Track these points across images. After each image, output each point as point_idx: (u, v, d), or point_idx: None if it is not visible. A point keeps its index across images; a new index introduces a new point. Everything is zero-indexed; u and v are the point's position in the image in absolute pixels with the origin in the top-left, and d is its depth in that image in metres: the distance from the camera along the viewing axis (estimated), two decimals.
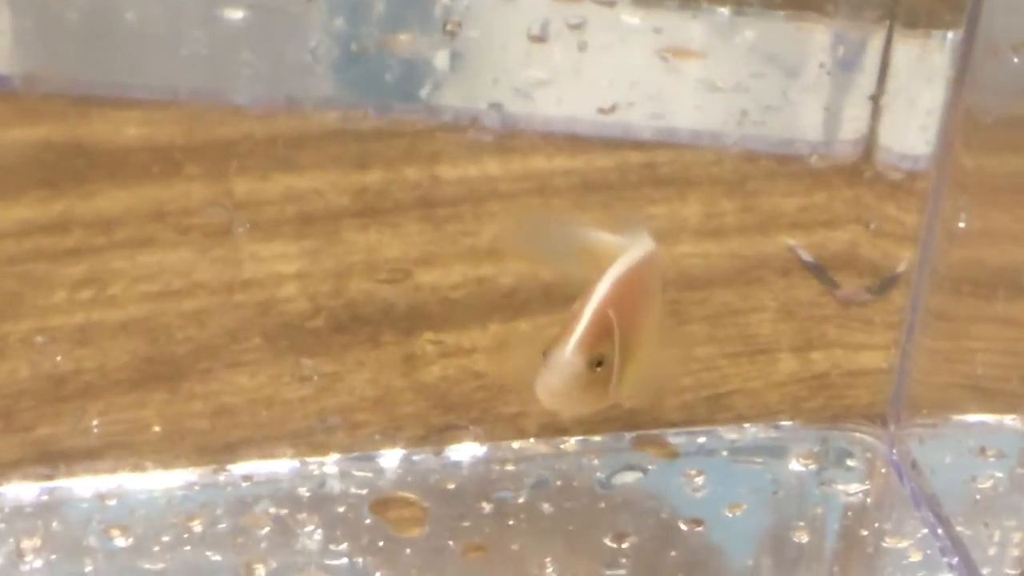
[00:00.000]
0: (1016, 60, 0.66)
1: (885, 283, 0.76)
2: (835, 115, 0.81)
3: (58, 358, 0.75)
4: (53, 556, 0.68)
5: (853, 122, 0.81)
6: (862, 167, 0.77)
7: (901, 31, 0.72)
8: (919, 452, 0.74)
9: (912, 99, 0.72)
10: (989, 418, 0.71)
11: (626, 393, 0.63)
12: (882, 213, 0.76)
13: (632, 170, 0.87)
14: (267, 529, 0.70)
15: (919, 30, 0.72)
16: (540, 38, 0.75)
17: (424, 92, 0.81)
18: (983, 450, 0.69)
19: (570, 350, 0.60)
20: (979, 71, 0.67)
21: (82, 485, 0.72)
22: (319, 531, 0.70)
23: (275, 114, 0.83)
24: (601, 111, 0.81)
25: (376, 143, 0.84)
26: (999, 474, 0.69)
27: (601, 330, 0.61)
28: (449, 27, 0.74)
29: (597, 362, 0.60)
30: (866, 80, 0.80)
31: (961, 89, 0.69)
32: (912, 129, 0.74)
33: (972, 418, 0.72)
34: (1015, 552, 0.67)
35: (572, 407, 0.62)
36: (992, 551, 0.68)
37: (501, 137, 0.80)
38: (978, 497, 0.69)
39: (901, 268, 0.75)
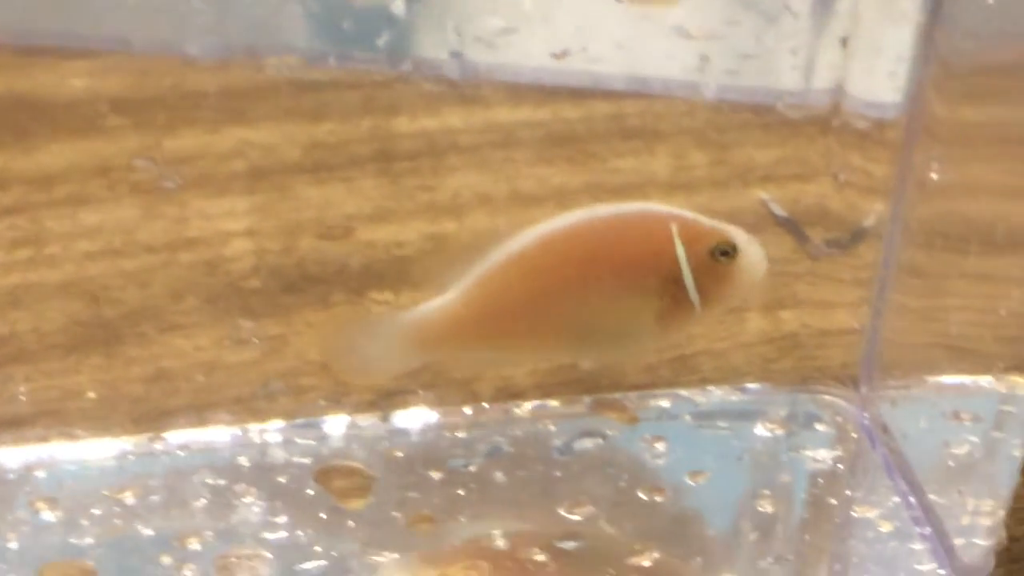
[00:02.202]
0: (991, 2, 0.62)
1: (853, 237, 0.72)
2: (810, 63, 0.78)
3: None
4: None
5: (829, 70, 0.77)
6: (832, 116, 0.73)
7: None
8: (891, 416, 0.70)
9: (879, 44, 0.68)
10: (965, 379, 0.67)
11: None
12: (850, 164, 0.72)
13: (599, 121, 0.83)
14: (204, 501, 0.67)
15: None
16: None
17: (382, 41, 0.78)
18: (957, 414, 0.66)
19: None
20: (952, 14, 0.63)
21: (8, 455, 0.68)
22: (259, 502, 0.67)
23: (227, 65, 0.80)
24: (566, 59, 0.77)
25: (332, 94, 0.81)
26: (974, 439, 0.65)
27: None
28: None
29: None
30: (839, 24, 0.76)
31: (933, 33, 0.64)
32: (879, 76, 0.70)
33: (947, 379, 0.68)
34: (987, 522, 0.64)
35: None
36: (965, 520, 0.65)
37: (463, 87, 0.76)
38: (951, 463, 0.66)
39: (869, 222, 0.71)
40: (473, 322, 0.65)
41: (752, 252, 0.64)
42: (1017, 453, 0.62)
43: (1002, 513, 0.63)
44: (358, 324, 0.67)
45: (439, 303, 0.65)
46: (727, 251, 0.63)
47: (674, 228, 0.62)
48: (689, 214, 0.63)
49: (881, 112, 0.70)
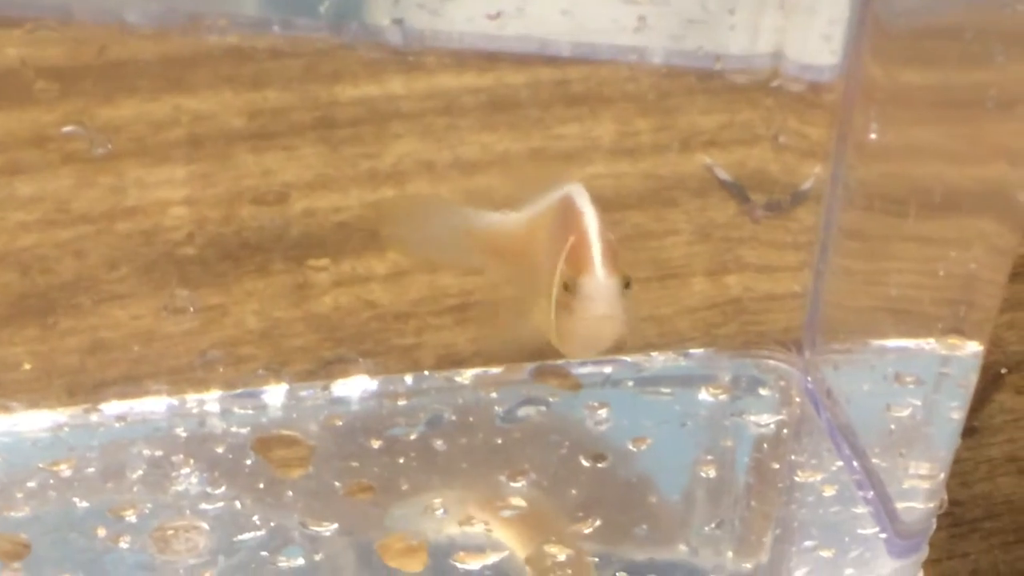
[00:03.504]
0: None
1: (792, 200, 0.71)
2: (753, 26, 0.77)
3: None
4: None
5: (772, 33, 0.77)
6: (770, 80, 0.73)
7: None
8: (834, 379, 0.70)
9: (812, 6, 0.68)
10: (906, 342, 0.66)
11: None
12: (787, 127, 0.72)
13: (543, 87, 0.83)
14: (140, 472, 0.66)
15: None
16: None
17: (324, 8, 0.77)
18: (899, 377, 0.65)
19: (606, 271, 0.58)
20: None
21: None
22: (196, 473, 0.66)
23: (168, 33, 0.78)
24: (509, 24, 0.76)
25: (273, 62, 0.80)
26: (916, 402, 0.65)
27: (613, 250, 0.59)
28: None
29: (626, 283, 0.58)
30: None
31: None
32: (814, 38, 0.69)
33: (889, 343, 0.68)
34: (929, 485, 0.63)
35: (613, 337, 0.59)
36: (907, 484, 0.64)
37: (406, 54, 0.75)
38: (893, 427, 0.65)
39: (807, 185, 0.71)
40: (521, 241, 0.65)
41: (586, 304, 0.59)
42: (956, 416, 0.61)
43: (943, 476, 0.63)
44: (432, 205, 0.68)
45: (505, 217, 0.66)
46: (567, 285, 0.60)
47: (568, 244, 0.60)
48: (594, 236, 0.60)
49: (817, 75, 0.69)
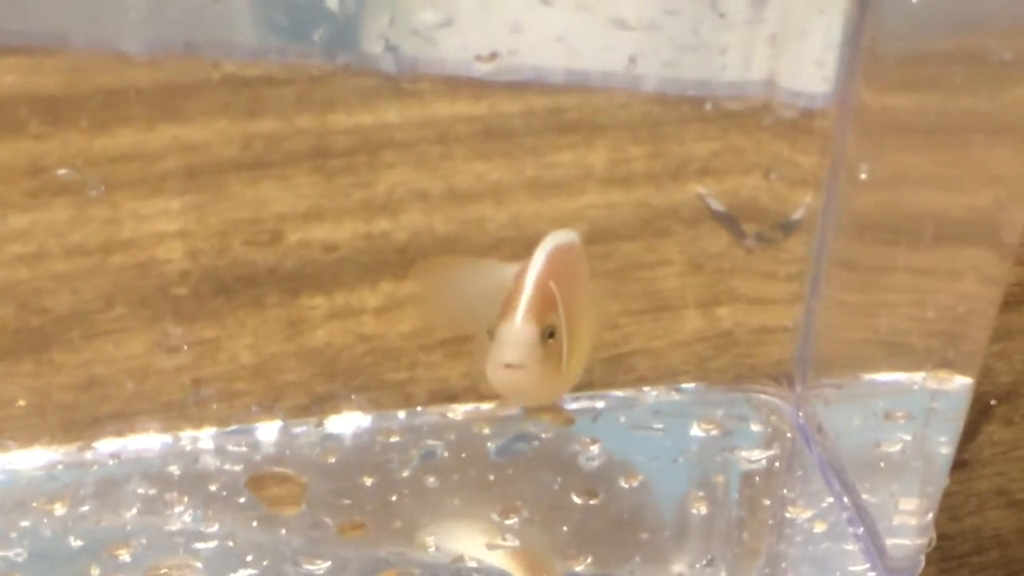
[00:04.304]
0: None
1: (783, 230, 0.71)
2: (747, 53, 0.77)
3: None
4: None
5: (765, 60, 0.77)
6: (763, 108, 0.73)
7: None
8: (825, 415, 0.70)
9: (804, 32, 0.68)
10: (898, 376, 0.66)
11: (574, 378, 0.61)
12: (779, 156, 0.72)
13: (537, 116, 0.83)
14: (134, 511, 0.66)
15: None
16: None
17: (318, 35, 0.77)
18: (889, 412, 0.65)
19: (520, 319, 0.58)
20: (881, 3, 0.63)
21: None
22: (190, 511, 0.66)
23: (163, 61, 0.79)
24: (500, 57, 0.76)
25: (268, 90, 0.80)
26: (906, 437, 0.65)
27: (546, 300, 0.59)
28: None
29: (549, 333, 0.58)
30: (772, 15, 0.75)
31: (863, 23, 0.64)
32: (806, 65, 0.69)
33: (880, 377, 0.68)
34: (918, 521, 0.63)
35: (527, 386, 0.59)
36: (897, 520, 0.64)
37: (399, 81, 0.75)
38: (883, 463, 0.65)
39: (798, 215, 0.71)
40: None
41: (497, 351, 0.59)
42: (945, 451, 0.62)
43: (931, 515, 0.63)
44: (463, 265, 0.67)
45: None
46: (490, 332, 0.60)
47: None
48: (528, 284, 0.60)
49: (810, 102, 0.69)
